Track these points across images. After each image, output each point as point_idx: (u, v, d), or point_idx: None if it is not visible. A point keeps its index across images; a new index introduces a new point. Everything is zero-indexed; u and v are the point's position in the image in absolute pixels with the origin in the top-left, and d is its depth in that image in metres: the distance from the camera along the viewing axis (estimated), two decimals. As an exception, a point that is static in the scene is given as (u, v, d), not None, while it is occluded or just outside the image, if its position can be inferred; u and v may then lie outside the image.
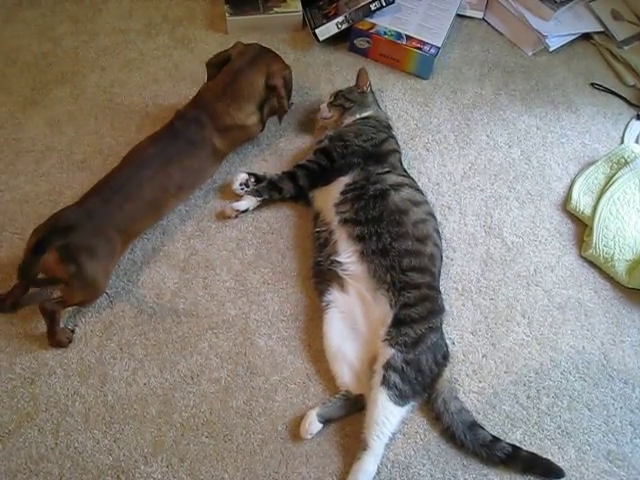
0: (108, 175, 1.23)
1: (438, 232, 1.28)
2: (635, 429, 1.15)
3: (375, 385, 1.09)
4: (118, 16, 1.73)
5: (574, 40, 1.75)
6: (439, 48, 1.61)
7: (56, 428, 1.10)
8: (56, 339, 1.16)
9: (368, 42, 1.64)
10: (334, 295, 1.20)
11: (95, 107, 1.53)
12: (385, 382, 1.08)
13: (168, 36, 1.69)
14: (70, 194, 1.35)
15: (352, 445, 1.10)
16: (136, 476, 1.06)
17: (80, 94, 1.55)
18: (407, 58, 1.62)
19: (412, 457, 1.10)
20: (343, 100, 1.45)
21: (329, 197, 1.29)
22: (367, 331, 1.17)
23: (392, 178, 1.28)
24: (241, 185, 1.36)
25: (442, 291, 1.23)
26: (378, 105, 1.50)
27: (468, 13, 1.78)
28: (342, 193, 1.28)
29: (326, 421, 1.11)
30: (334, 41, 1.67)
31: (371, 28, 1.63)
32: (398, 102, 1.60)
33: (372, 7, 1.61)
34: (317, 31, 1.63)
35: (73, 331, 1.19)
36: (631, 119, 1.61)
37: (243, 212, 1.35)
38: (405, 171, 1.37)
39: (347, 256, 1.21)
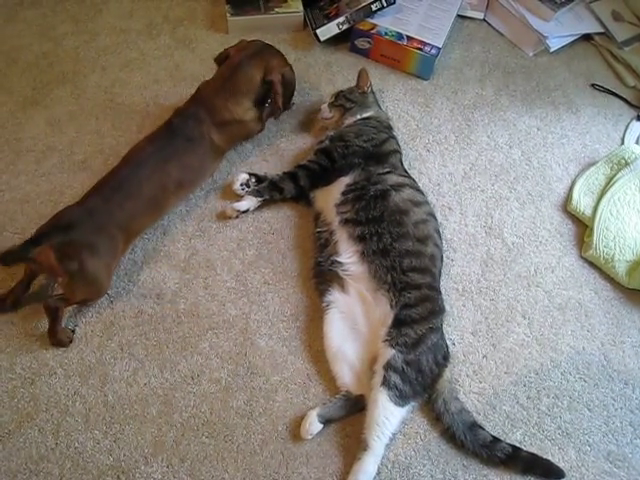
0: (108, 174, 1.24)
1: (439, 232, 1.28)
2: (635, 430, 1.15)
3: (375, 385, 1.09)
4: (119, 16, 1.73)
5: (575, 41, 1.75)
6: (440, 49, 1.61)
7: (56, 428, 1.10)
8: (57, 338, 1.16)
9: (369, 42, 1.64)
10: (334, 295, 1.20)
11: (96, 107, 1.53)
12: (385, 382, 1.08)
13: (169, 36, 1.69)
14: (71, 194, 1.35)
15: (352, 445, 1.10)
16: (136, 476, 1.06)
17: (81, 94, 1.55)
18: (408, 59, 1.62)
19: (412, 457, 1.10)
20: (344, 100, 1.45)
21: (330, 197, 1.29)
22: (367, 331, 1.17)
23: (393, 178, 1.29)
24: (242, 185, 1.36)
25: (442, 291, 1.23)
26: (379, 105, 1.50)
27: (469, 14, 1.78)
28: (343, 193, 1.28)
29: (326, 421, 1.11)
30: (335, 41, 1.67)
31: (372, 28, 1.63)
32: (399, 102, 1.60)
33: (373, 7, 1.61)
34: (318, 31, 1.64)
35: (73, 331, 1.20)
36: (631, 120, 1.62)
37: (244, 212, 1.35)
38: (406, 171, 1.37)
39: (348, 256, 1.21)
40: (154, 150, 1.25)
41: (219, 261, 1.31)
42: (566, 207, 1.44)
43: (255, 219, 1.37)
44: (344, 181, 1.30)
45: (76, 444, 1.09)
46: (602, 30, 1.76)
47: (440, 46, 1.62)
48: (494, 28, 1.78)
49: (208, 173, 1.37)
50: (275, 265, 1.31)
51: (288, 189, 1.34)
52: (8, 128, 1.48)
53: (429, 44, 1.61)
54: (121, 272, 1.27)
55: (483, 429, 1.10)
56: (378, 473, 1.08)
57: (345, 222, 1.24)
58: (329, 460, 1.09)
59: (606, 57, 1.74)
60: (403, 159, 1.41)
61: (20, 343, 1.18)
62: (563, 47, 1.74)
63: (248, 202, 1.35)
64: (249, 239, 1.34)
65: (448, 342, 1.20)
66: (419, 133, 1.55)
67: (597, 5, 1.79)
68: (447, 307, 1.23)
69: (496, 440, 1.09)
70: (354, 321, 1.19)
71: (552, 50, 1.72)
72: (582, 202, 1.43)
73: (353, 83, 1.50)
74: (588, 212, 1.41)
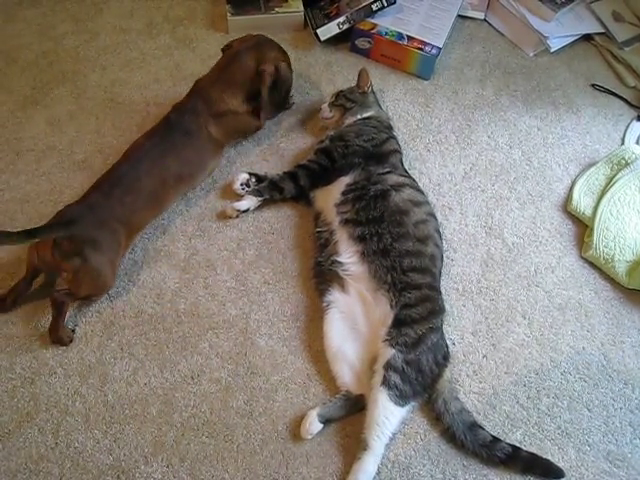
0: (108, 171, 1.25)
1: (439, 232, 1.28)
2: (635, 430, 1.15)
3: (375, 385, 1.09)
4: (119, 15, 1.73)
5: (575, 41, 1.75)
6: (440, 49, 1.61)
7: (56, 428, 1.10)
8: (58, 335, 1.16)
9: (369, 42, 1.64)
10: (335, 295, 1.20)
11: (96, 106, 1.53)
12: (385, 382, 1.08)
13: (169, 36, 1.69)
14: (71, 193, 1.35)
15: (352, 445, 1.10)
16: (136, 476, 1.06)
17: (81, 93, 1.55)
18: (408, 58, 1.62)
19: (412, 457, 1.10)
20: (344, 100, 1.45)
21: (330, 197, 1.29)
22: (367, 331, 1.17)
23: (393, 178, 1.28)
24: (242, 185, 1.36)
25: (443, 291, 1.23)
26: (379, 105, 1.50)
27: (469, 14, 1.78)
28: (343, 193, 1.28)
29: (326, 421, 1.11)
30: (335, 41, 1.67)
31: (372, 28, 1.63)
32: (399, 102, 1.60)
33: (373, 7, 1.61)
34: (318, 31, 1.64)
35: (74, 331, 1.19)
36: (632, 120, 1.62)
37: (244, 212, 1.35)
38: (406, 171, 1.37)
39: (348, 256, 1.21)
40: (152, 145, 1.26)
41: (219, 261, 1.31)
42: (566, 207, 1.45)
43: (255, 219, 1.37)
44: (344, 181, 1.29)
45: (76, 444, 1.09)
46: (602, 30, 1.76)
47: (441, 46, 1.61)
48: (495, 28, 1.78)
49: (208, 168, 1.37)
50: (275, 265, 1.31)
51: (288, 189, 1.34)
52: (8, 127, 1.48)
53: (430, 44, 1.61)
54: (121, 272, 1.27)
55: (483, 429, 1.10)
56: (378, 473, 1.08)
57: (345, 222, 1.24)
58: (329, 460, 1.09)
59: (606, 57, 1.74)
60: (403, 159, 1.41)
61: (20, 343, 1.18)
62: (563, 47, 1.74)
63: (248, 202, 1.35)
64: (249, 239, 1.34)
65: (448, 342, 1.20)
66: (419, 133, 1.55)
67: (597, 5, 1.79)
68: (447, 307, 1.23)
69: (496, 440, 1.09)
70: (354, 321, 1.19)
71: (552, 50, 1.72)
72: (582, 202, 1.43)
73: (353, 83, 1.50)
74: (588, 212, 1.41)
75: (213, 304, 1.25)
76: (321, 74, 1.64)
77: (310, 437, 1.10)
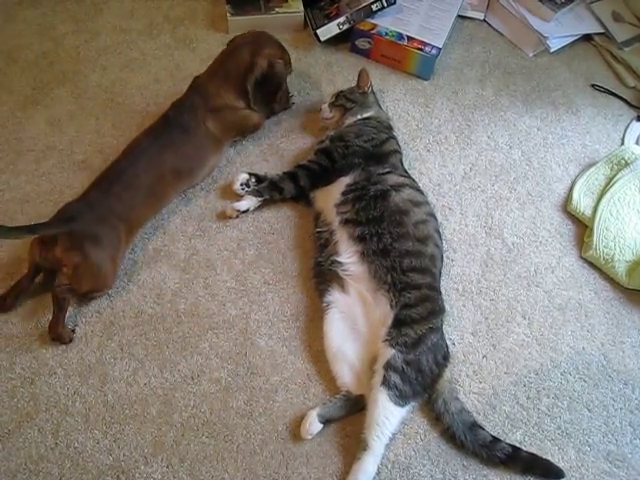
0: (107, 168, 1.26)
1: (439, 233, 1.28)
2: (635, 430, 1.15)
3: (375, 385, 1.09)
4: (119, 16, 1.73)
5: (575, 41, 1.75)
6: (440, 49, 1.61)
7: (56, 428, 1.10)
8: (58, 332, 1.15)
9: (369, 43, 1.64)
10: (335, 295, 1.20)
11: (96, 107, 1.53)
12: (385, 382, 1.08)
13: (169, 36, 1.69)
14: (71, 194, 1.35)
15: (352, 445, 1.10)
16: (136, 476, 1.06)
17: (81, 93, 1.55)
18: (408, 59, 1.62)
19: (412, 457, 1.10)
20: (344, 100, 1.45)
21: (330, 197, 1.29)
22: (367, 331, 1.17)
23: (393, 179, 1.29)
24: (242, 185, 1.36)
25: (442, 292, 1.23)
26: (379, 106, 1.50)
27: (469, 14, 1.78)
28: (343, 193, 1.28)
29: (326, 421, 1.11)
30: (335, 42, 1.67)
31: (372, 29, 1.63)
32: (399, 103, 1.60)
33: (373, 8, 1.61)
34: (318, 31, 1.64)
35: (74, 331, 1.19)
36: (631, 120, 1.62)
37: (244, 212, 1.35)
38: (406, 172, 1.37)
39: (348, 256, 1.21)
40: (150, 141, 1.28)
41: (219, 261, 1.31)
42: (566, 207, 1.45)
43: (255, 219, 1.37)
44: (344, 181, 1.30)
45: (76, 444, 1.09)
46: (602, 30, 1.76)
47: (440, 46, 1.62)
48: (494, 28, 1.78)
49: (207, 164, 1.37)
50: (275, 265, 1.31)
51: (288, 189, 1.34)
52: (8, 128, 1.48)
53: (429, 44, 1.61)
54: (121, 272, 1.26)
55: (483, 429, 1.10)
56: (378, 473, 1.08)
57: (345, 222, 1.24)
58: (329, 460, 1.09)
59: (606, 57, 1.74)
60: (403, 159, 1.41)
61: (20, 342, 1.18)
62: (563, 47, 1.74)
63: (248, 202, 1.35)
64: (249, 239, 1.34)
65: (448, 342, 1.20)
66: (419, 133, 1.55)
67: (597, 6, 1.79)
68: (447, 307, 1.23)
69: (496, 440, 1.09)
70: (354, 321, 1.19)
71: (552, 50, 1.72)
72: (582, 202, 1.43)
73: (353, 83, 1.50)
74: (588, 212, 1.41)
75: (213, 304, 1.25)
76: (321, 74, 1.64)
77: (310, 437, 1.10)
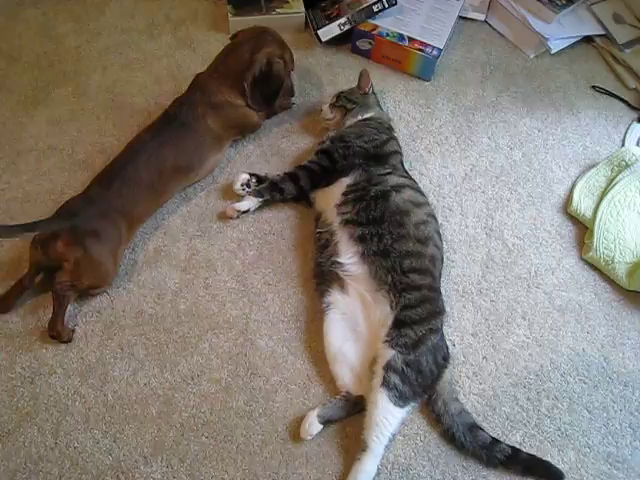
0: (108, 164, 1.28)
1: (439, 233, 1.28)
2: (635, 432, 1.15)
3: (375, 386, 1.09)
4: (120, 16, 1.73)
5: (576, 43, 1.75)
6: (441, 50, 1.61)
7: (56, 428, 1.10)
8: (57, 329, 1.15)
9: (370, 43, 1.64)
10: (335, 296, 1.20)
11: (97, 106, 1.53)
12: (385, 383, 1.08)
13: (170, 36, 1.69)
14: (72, 193, 1.34)
15: (352, 446, 1.10)
16: (136, 476, 1.06)
17: (82, 93, 1.55)
18: (409, 60, 1.62)
19: (412, 458, 1.10)
20: (345, 101, 1.45)
21: (330, 198, 1.29)
22: (367, 332, 1.17)
23: (393, 179, 1.29)
24: (242, 185, 1.36)
25: (443, 293, 1.23)
26: (380, 106, 1.50)
27: (470, 15, 1.79)
28: (343, 194, 1.28)
29: (326, 422, 1.11)
30: (336, 42, 1.67)
31: (373, 29, 1.63)
32: (400, 103, 1.60)
33: (374, 8, 1.61)
34: (319, 32, 1.64)
35: (73, 331, 1.19)
36: (632, 122, 1.62)
37: (244, 212, 1.35)
38: (406, 172, 1.37)
39: (348, 257, 1.21)
40: (150, 137, 1.29)
41: (219, 261, 1.31)
42: (566, 209, 1.45)
43: (256, 219, 1.37)
44: (345, 182, 1.30)
45: (75, 444, 1.09)
46: (603, 32, 1.76)
47: (441, 47, 1.62)
48: (495, 30, 1.78)
49: (207, 161, 1.37)
50: (275, 265, 1.31)
51: (289, 189, 1.34)
52: (9, 127, 1.48)
53: (430, 45, 1.61)
54: (122, 272, 1.27)
55: (483, 430, 1.10)
56: (378, 474, 1.08)
57: (346, 223, 1.24)
58: (329, 461, 1.09)
59: (607, 59, 1.74)
60: (404, 160, 1.41)
61: (20, 342, 1.18)
62: (564, 49, 1.74)
63: (249, 202, 1.35)
64: (249, 239, 1.34)
65: (448, 343, 1.19)
66: (420, 134, 1.55)
67: (598, 7, 1.79)
68: (447, 308, 1.23)
69: (496, 441, 1.09)
70: (354, 322, 1.19)
71: (553, 52, 1.73)
72: (582, 204, 1.43)
73: (354, 84, 1.50)
74: (588, 214, 1.41)
75: (213, 304, 1.25)
76: (322, 75, 1.64)
77: (310, 438, 1.10)
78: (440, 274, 1.26)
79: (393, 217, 1.21)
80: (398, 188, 1.26)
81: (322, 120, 1.49)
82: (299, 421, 1.11)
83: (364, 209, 1.23)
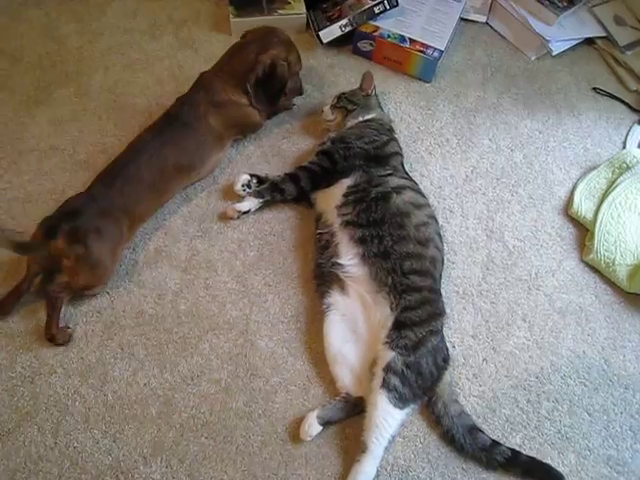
0: (110, 163, 1.28)
1: (440, 235, 1.28)
2: (635, 434, 1.15)
3: (375, 388, 1.09)
4: (122, 16, 1.73)
5: (577, 45, 1.75)
6: (442, 51, 1.62)
7: (56, 427, 1.10)
8: (52, 332, 1.15)
9: (371, 45, 1.64)
10: (335, 297, 1.20)
11: (99, 107, 1.53)
12: (385, 385, 1.08)
13: (172, 37, 1.69)
14: (73, 193, 1.35)
15: (352, 447, 1.09)
16: (135, 476, 1.06)
17: (84, 94, 1.56)
18: (410, 61, 1.63)
19: (412, 460, 1.10)
20: (346, 102, 1.45)
21: (331, 199, 1.29)
22: (368, 334, 1.17)
23: (394, 181, 1.29)
24: (243, 186, 1.37)
25: (443, 294, 1.23)
26: (381, 108, 1.51)
27: (471, 17, 1.79)
28: (344, 195, 1.28)
29: (326, 423, 1.11)
30: (338, 44, 1.67)
31: (375, 31, 1.63)
32: (401, 105, 1.60)
33: (376, 10, 1.61)
34: (321, 33, 1.64)
35: (71, 332, 1.19)
36: (633, 124, 1.62)
37: (245, 213, 1.35)
38: (407, 174, 1.37)
39: (348, 258, 1.21)
40: (152, 136, 1.29)
41: (220, 262, 1.31)
42: (567, 211, 1.44)
43: (256, 220, 1.37)
44: (345, 183, 1.30)
45: (75, 443, 1.09)
46: (604, 34, 1.76)
47: (442, 49, 1.62)
48: (497, 31, 1.78)
49: (208, 159, 1.37)
50: (276, 266, 1.31)
51: (289, 190, 1.34)
52: (11, 127, 1.48)
53: (431, 47, 1.61)
54: (122, 272, 1.27)
55: (483, 432, 1.10)
56: (377, 476, 1.07)
57: (346, 224, 1.24)
58: (328, 462, 1.09)
59: (608, 61, 1.74)
60: (405, 161, 1.41)
61: (20, 341, 1.18)
62: (565, 51, 1.74)
63: (249, 203, 1.35)
64: (250, 240, 1.34)
65: (448, 345, 1.19)
66: (421, 135, 1.55)
67: (599, 9, 1.79)
68: (447, 310, 1.23)
69: (495, 443, 1.09)
70: (354, 323, 1.19)
71: (554, 54, 1.73)
72: (583, 206, 1.43)
73: (355, 85, 1.50)
74: (589, 216, 1.41)
75: (213, 305, 1.25)
76: (323, 76, 1.64)
77: (309, 439, 1.10)
78: (440, 276, 1.25)
79: (394, 219, 1.21)
80: (399, 189, 1.26)
81: (323, 121, 1.49)
82: (299, 422, 1.11)
83: (364, 210, 1.23)
